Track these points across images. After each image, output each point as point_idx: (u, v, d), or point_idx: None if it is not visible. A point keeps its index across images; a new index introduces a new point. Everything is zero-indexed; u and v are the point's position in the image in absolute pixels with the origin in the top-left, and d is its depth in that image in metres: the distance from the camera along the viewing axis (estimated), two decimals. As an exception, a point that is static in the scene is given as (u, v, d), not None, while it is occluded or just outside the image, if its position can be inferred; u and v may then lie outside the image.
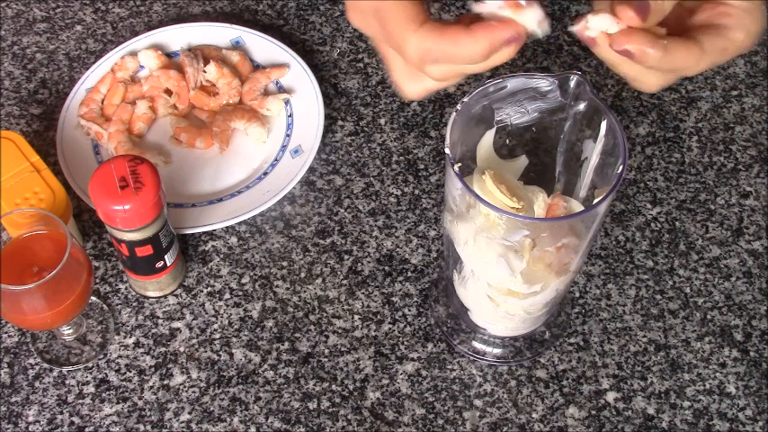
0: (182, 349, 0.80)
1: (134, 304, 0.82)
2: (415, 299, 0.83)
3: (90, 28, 1.01)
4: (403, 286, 0.84)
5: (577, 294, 0.84)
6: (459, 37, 0.54)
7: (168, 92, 0.94)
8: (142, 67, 0.96)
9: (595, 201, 0.63)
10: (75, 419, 0.76)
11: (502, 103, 0.67)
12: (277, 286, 0.84)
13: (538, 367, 0.79)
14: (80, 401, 0.77)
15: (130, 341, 0.80)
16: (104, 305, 0.82)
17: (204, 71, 0.94)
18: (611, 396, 0.78)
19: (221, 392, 0.78)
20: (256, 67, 0.97)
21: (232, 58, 0.96)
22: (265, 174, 0.89)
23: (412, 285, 0.84)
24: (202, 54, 0.96)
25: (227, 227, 0.87)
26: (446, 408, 0.77)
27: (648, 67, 0.56)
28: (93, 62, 0.96)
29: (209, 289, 0.83)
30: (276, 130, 0.93)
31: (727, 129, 0.95)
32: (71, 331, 0.80)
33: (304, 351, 0.80)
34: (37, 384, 0.78)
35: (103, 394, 0.77)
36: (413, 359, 0.80)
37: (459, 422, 0.77)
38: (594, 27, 0.55)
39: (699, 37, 0.56)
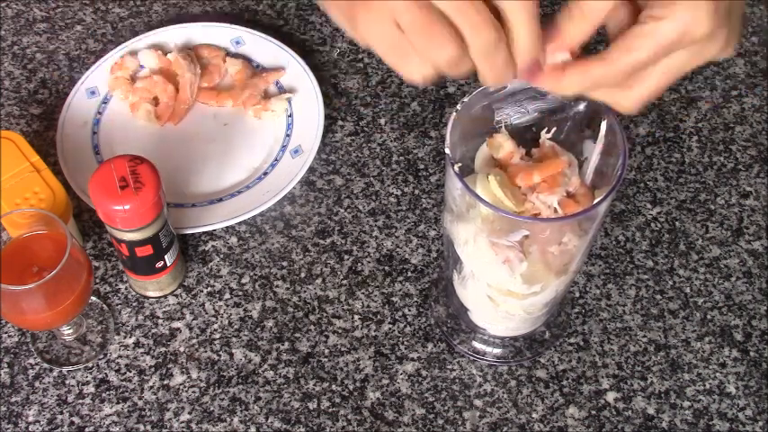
0: (182, 349, 0.80)
1: (134, 304, 0.83)
2: (415, 299, 0.83)
3: (90, 28, 1.01)
4: (403, 286, 0.84)
5: (577, 294, 0.84)
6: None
7: (156, 100, 0.94)
8: (142, 66, 0.96)
9: (595, 201, 0.63)
10: (75, 419, 0.76)
11: (502, 103, 0.67)
12: (277, 286, 0.84)
13: (538, 367, 0.79)
14: (80, 401, 0.77)
15: (130, 341, 0.80)
16: (104, 305, 0.82)
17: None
18: (611, 396, 0.78)
19: (221, 392, 0.78)
20: (256, 67, 0.97)
21: (233, 67, 0.96)
22: (265, 174, 0.89)
23: (412, 285, 0.84)
24: (197, 56, 0.96)
25: (227, 227, 0.87)
26: (446, 408, 0.77)
27: (587, 91, 0.57)
28: (93, 62, 0.96)
29: (210, 289, 0.84)
30: (276, 130, 0.93)
31: (727, 129, 0.95)
32: (71, 331, 0.80)
33: (304, 351, 0.80)
34: (37, 384, 0.78)
35: (103, 394, 0.77)
36: (413, 359, 0.80)
37: (459, 422, 0.77)
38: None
39: (612, 44, 0.55)
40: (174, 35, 0.98)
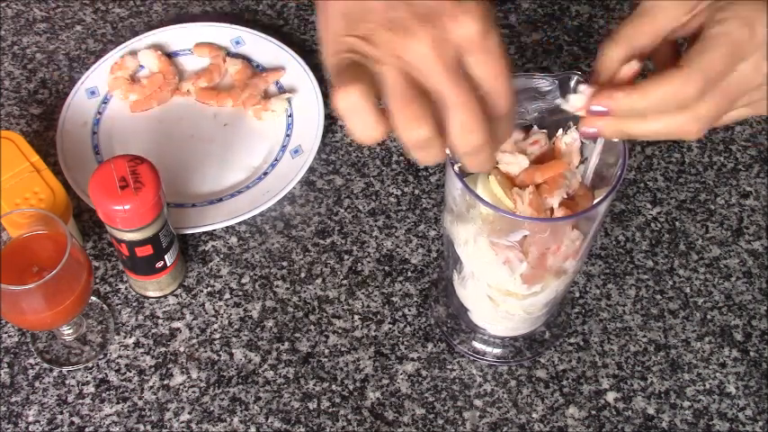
0: (182, 349, 0.80)
1: (134, 304, 0.83)
2: (415, 299, 0.83)
3: (90, 28, 1.01)
4: (403, 286, 0.84)
5: (577, 294, 0.84)
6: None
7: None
8: (142, 66, 0.96)
9: (595, 201, 0.63)
10: (75, 419, 0.76)
11: (502, 103, 0.67)
12: (277, 286, 0.84)
13: (538, 367, 0.79)
14: (80, 401, 0.77)
15: (130, 341, 0.80)
16: (104, 305, 0.82)
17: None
18: (611, 396, 0.78)
19: (221, 392, 0.78)
20: (256, 67, 0.97)
21: (233, 67, 0.96)
22: (265, 174, 0.89)
23: (412, 285, 0.84)
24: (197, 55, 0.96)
25: (227, 227, 0.87)
26: (446, 408, 0.77)
27: (651, 116, 0.53)
28: (93, 62, 0.96)
29: (210, 289, 0.84)
30: (276, 130, 0.93)
31: (727, 129, 0.95)
32: (71, 331, 0.80)
33: (304, 351, 0.80)
34: (37, 384, 0.78)
35: (103, 394, 0.77)
36: (413, 359, 0.80)
37: (459, 422, 0.77)
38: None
39: (684, 57, 0.52)
40: (174, 35, 0.98)
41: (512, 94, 0.52)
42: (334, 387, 0.78)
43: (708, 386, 0.79)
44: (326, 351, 0.80)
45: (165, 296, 0.83)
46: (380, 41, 0.49)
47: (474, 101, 0.49)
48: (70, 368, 0.79)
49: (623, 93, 0.53)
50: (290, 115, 0.93)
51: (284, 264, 0.85)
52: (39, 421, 0.76)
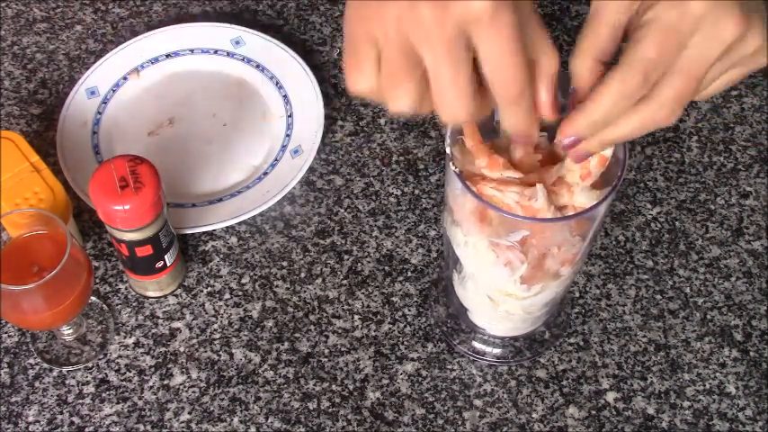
0: (182, 349, 0.80)
1: (134, 304, 0.83)
2: (415, 299, 0.83)
3: (90, 28, 1.01)
4: (403, 286, 0.84)
5: (577, 294, 0.84)
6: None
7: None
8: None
9: (595, 201, 0.63)
10: (75, 419, 0.76)
11: (502, 103, 0.67)
12: (277, 286, 0.84)
13: (538, 367, 0.80)
14: (80, 401, 0.77)
15: (130, 341, 0.80)
16: (104, 305, 0.82)
17: None
18: (611, 396, 0.78)
19: (221, 392, 0.78)
20: (256, 66, 0.97)
21: None
22: (265, 174, 0.89)
23: (412, 285, 0.84)
24: None
25: (227, 227, 0.87)
26: (446, 408, 0.77)
27: (620, 119, 0.54)
28: (93, 62, 0.96)
29: (209, 289, 0.84)
30: (276, 130, 0.93)
31: (727, 129, 0.95)
32: (71, 331, 0.80)
33: (304, 351, 0.80)
34: (37, 384, 0.78)
35: (103, 394, 0.77)
36: (413, 359, 0.80)
37: (459, 422, 0.77)
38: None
39: (621, 54, 0.52)
40: (174, 35, 0.98)
41: (516, 80, 0.51)
42: (334, 387, 0.78)
43: (708, 386, 0.79)
44: (326, 351, 0.80)
45: (165, 296, 0.83)
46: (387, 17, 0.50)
47: (466, 79, 0.50)
48: (70, 368, 0.79)
49: (578, 113, 0.54)
50: (290, 115, 0.93)
51: (284, 264, 0.85)
52: (39, 421, 0.76)
